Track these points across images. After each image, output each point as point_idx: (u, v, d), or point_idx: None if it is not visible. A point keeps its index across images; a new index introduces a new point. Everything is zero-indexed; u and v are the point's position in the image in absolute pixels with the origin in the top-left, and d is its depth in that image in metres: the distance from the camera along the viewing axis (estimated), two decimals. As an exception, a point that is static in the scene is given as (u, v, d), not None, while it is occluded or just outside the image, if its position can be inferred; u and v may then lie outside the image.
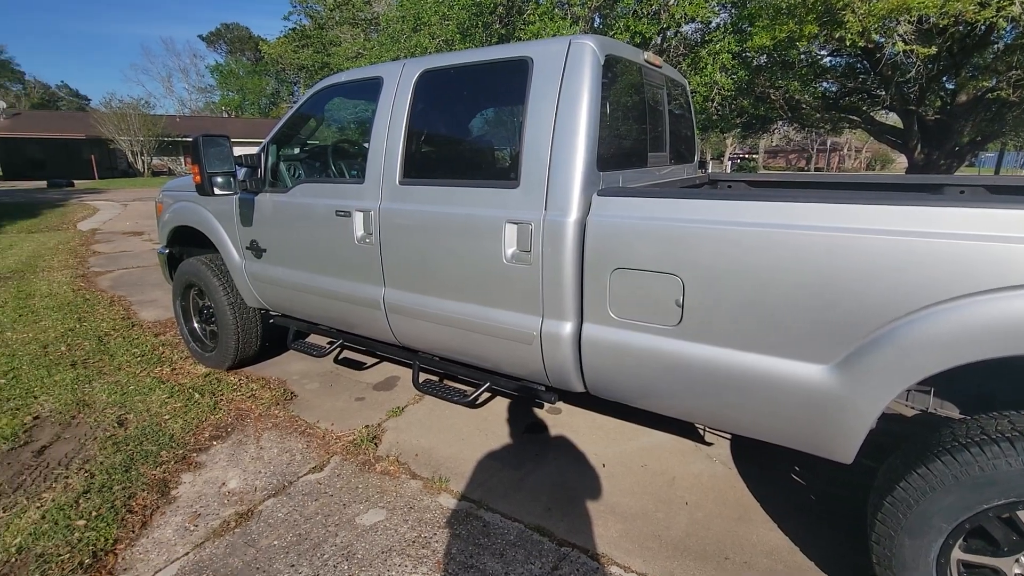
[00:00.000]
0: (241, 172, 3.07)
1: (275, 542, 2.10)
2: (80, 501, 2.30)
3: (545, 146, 2.10)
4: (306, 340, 3.66)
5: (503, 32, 12.13)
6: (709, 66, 10.51)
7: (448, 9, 11.83)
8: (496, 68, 2.40)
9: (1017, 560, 1.45)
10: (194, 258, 3.65)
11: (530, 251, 2.13)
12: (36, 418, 3.05)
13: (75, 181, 25.41)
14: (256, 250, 3.24)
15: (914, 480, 1.51)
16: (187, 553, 2.05)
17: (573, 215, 2.03)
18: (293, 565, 1.98)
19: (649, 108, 2.74)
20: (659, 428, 2.94)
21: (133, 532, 2.16)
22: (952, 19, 7.59)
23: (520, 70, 2.22)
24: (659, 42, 11.81)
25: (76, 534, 2.11)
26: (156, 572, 1.96)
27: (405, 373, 3.70)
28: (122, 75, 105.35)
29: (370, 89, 2.73)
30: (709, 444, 2.81)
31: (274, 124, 3.80)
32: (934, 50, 8.40)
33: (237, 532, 2.16)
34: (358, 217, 2.68)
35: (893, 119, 14.16)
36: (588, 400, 2.39)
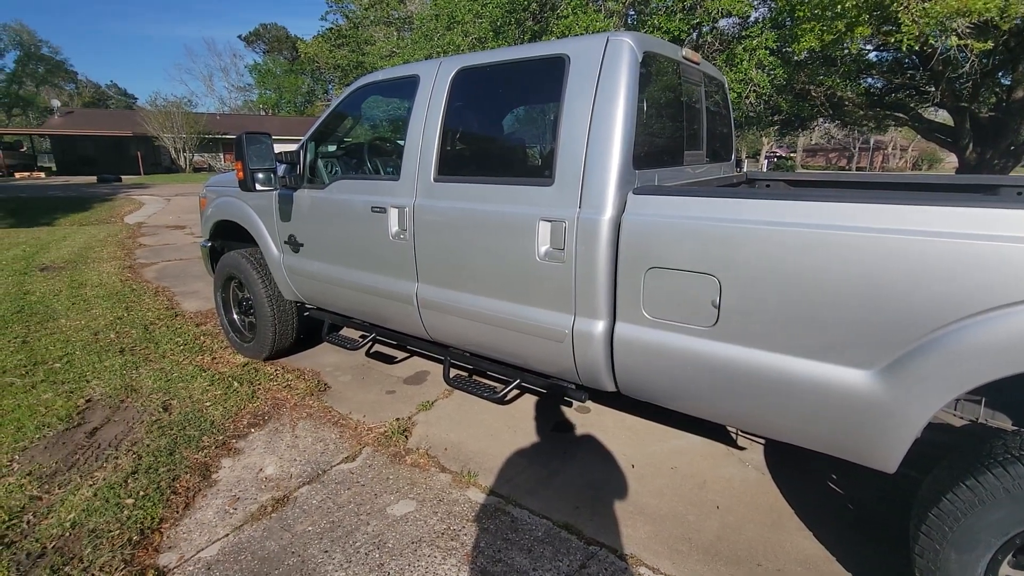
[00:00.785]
0: (281, 168, 3.15)
1: (309, 528, 2.17)
2: (128, 481, 2.42)
3: (580, 144, 2.09)
4: (340, 333, 3.75)
5: (536, 29, 12.08)
6: (744, 62, 10.22)
7: (482, 7, 11.86)
8: (532, 66, 2.40)
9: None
10: (235, 251, 3.77)
11: (563, 249, 2.13)
12: (88, 401, 3.22)
13: (122, 176, 26.63)
14: (294, 244, 3.33)
15: (962, 492, 1.45)
16: (227, 535, 2.13)
17: (608, 213, 2.02)
18: (327, 551, 2.04)
19: (686, 105, 2.69)
20: (690, 431, 2.90)
21: (177, 512, 2.26)
22: (1014, 22, 7.19)
23: (556, 68, 2.21)
24: (695, 38, 11.56)
25: (125, 512, 2.22)
26: (198, 551, 2.04)
27: (435, 368, 3.75)
28: (167, 74, 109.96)
29: (406, 87, 2.77)
30: (742, 448, 2.76)
31: (311, 122, 3.90)
32: (990, 45, 7.97)
33: (274, 517, 2.23)
34: (393, 213, 2.72)
35: (943, 116, 13.53)
36: (617, 400, 2.37)
